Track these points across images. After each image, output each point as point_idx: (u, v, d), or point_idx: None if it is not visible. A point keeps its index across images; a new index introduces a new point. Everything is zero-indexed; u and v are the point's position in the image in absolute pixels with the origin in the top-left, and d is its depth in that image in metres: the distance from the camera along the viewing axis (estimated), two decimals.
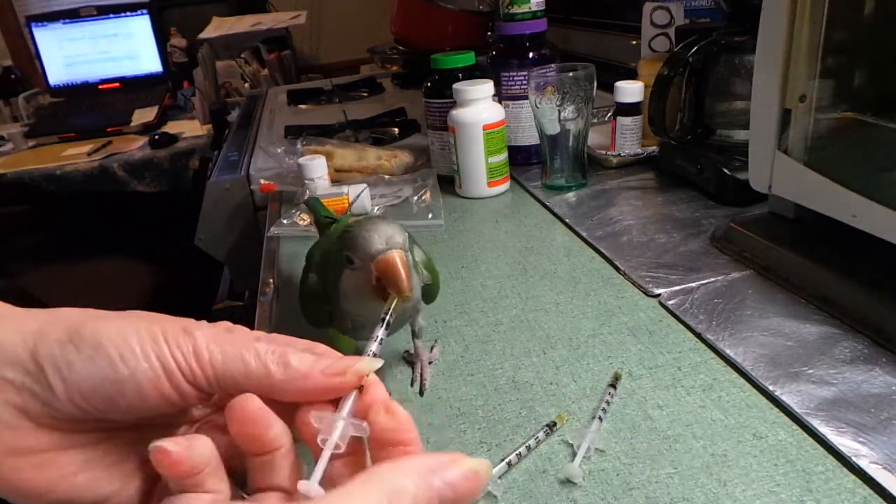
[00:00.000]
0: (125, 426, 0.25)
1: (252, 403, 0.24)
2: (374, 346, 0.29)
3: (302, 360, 0.24)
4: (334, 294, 0.41)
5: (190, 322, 0.25)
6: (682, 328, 0.53)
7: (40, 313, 0.24)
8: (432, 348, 0.54)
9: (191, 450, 0.23)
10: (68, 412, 0.23)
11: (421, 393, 0.50)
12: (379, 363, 0.26)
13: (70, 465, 0.24)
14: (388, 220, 0.38)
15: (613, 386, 0.47)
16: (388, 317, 0.32)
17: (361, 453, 0.25)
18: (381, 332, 0.31)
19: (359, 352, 0.28)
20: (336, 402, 0.25)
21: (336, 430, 0.24)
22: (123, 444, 0.25)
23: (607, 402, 0.45)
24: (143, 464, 0.25)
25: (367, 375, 0.25)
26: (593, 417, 0.44)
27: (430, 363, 0.52)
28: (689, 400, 0.45)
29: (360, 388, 0.25)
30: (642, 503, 0.38)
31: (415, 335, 0.52)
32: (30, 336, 0.23)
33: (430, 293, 0.49)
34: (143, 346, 0.23)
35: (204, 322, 0.26)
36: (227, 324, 0.27)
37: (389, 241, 0.36)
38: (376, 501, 0.19)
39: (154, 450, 0.22)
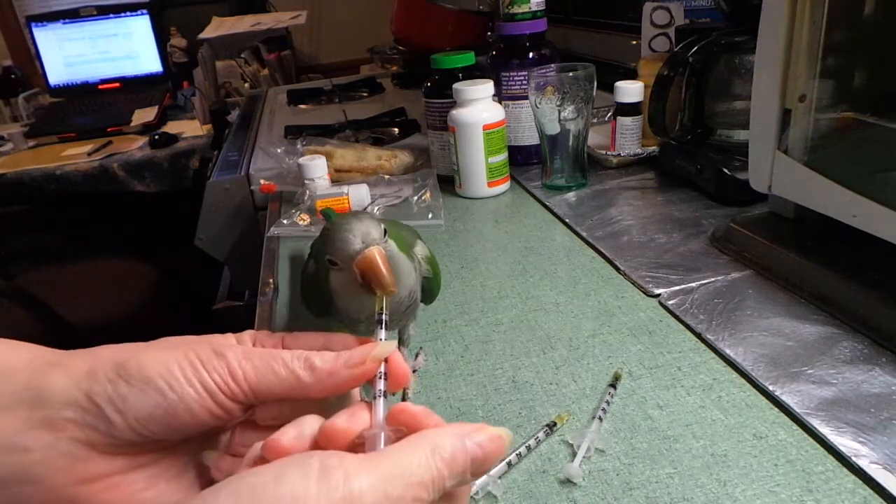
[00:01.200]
0: (179, 443, 0.28)
1: (280, 443, 0.25)
2: (381, 333, 0.31)
3: (325, 359, 0.27)
4: (328, 290, 0.41)
5: (219, 343, 0.28)
6: (682, 328, 0.53)
7: (84, 354, 0.27)
8: (416, 356, 0.54)
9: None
10: (128, 438, 0.26)
11: (403, 397, 0.49)
12: (393, 345, 0.29)
13: (137, 484, 0.27)
14: (362, 215, 0.37)
15: (613, 386, 0.47)
16: (383, 316, 0.33)
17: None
18: (382, 335, 0.31)
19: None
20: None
21: (380, 441, 0.26)
22: (180, 458, 0.28)
23: (607, 402, 0.45)
24: (201, 472, 0.29)
25: (386, 359, 0.28)
26: (593, 417, 0.44)
27: (413, 371, 0.51)
28: (689, 400, 0.45)
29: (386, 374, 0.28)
30: (642, 503, 0.38)
31: (402, 343, 0.51)
32: (82, 378, 0.26)
33: (430, 290, 0.48)
34: (185, 373, 0.26)
35: (231, 338, 0.29)
36: (250, 332, 0.30)
37: (366, 239, 0.36)
38: (423, 455, 0.23)
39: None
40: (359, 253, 0.35)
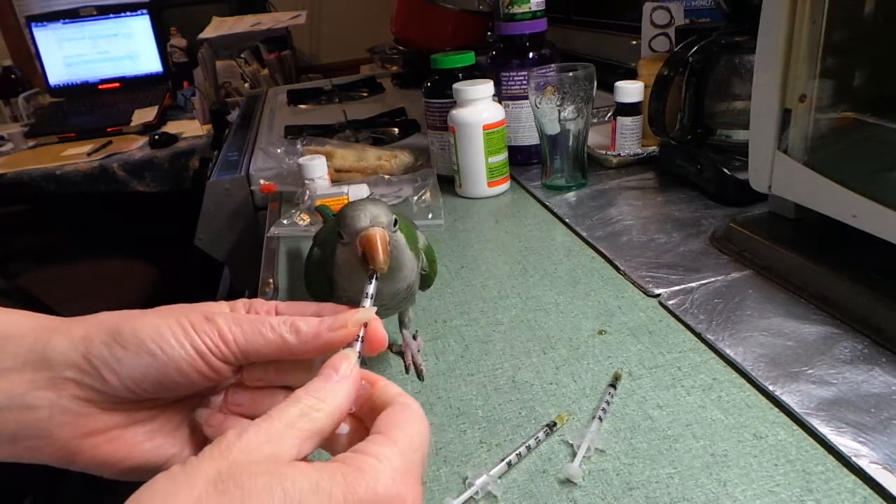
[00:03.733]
0: (174, 400, 0.31)
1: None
2: (368, 298, 0.34)
3: (309, 323, 0.29)
4: (331, 268, 0.44)
5: (211, 308, 0.30)
6: (682, 328, 0.53)
7: (82, 321, 0.29)
8: (415, 336, 0.55)
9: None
10: (125, 397, 0.28)
11: (419, 376, 0.51)
12: (373, 311, 0.31)
13: (136, 437, 0.29)
14: (378, 201, 0.41)
15: (613, 386, 0.47)
16: (370, 289, 0.35)
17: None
18: (367, 303, 0.34)
19: None
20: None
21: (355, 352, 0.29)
22: (176, 415, 0.31)
23: (607, 403, 0.45)
24: (194, 429, 0.31)
25: (366, 324, 0.30)
26: (593, 417, 0.44)
27: (417, 351, 0.53)
28: (689, 400, 0.45)
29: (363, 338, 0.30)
30: (642, 503, 0.38)
31: (402, 325, 0.54)
32: (79, 342, 0.28)
33: (427, 278, 0.51)
34: (177, 336, 0.27)
35: (223, 304, 0.31)
36: (244, 300, 0.32)
37: (374, 220, 0.39)
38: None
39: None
40: (364, 230, 0.39)
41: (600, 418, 0.43)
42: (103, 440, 0.28)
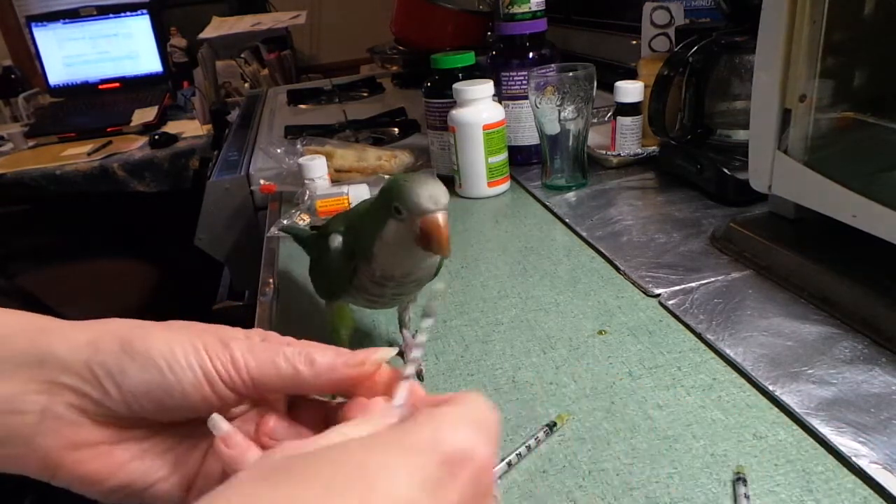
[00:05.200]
0: (167, 425, 0.29)
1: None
2: (417, 353, 0.30)
3: (325, 355, 0.28)
4: (369, 245, 0.43)
5: (226, 333, 0.28)
6: (682, 328, 0.53)
7: (87, 326, 0.28)
8: (415, 336, 0.54)
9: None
10: (121, 412, 0.27)
11: (419, 377, 0.51)
12: (393, 352, 0.29)
13: (124, 455, 0.28)
14: (436, 180, 0.40)
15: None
16: (426, 333, 0.31)
17: None
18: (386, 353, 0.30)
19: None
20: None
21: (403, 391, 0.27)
22: (171, 438, 0.29)
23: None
24: (188, 453, 0.29)
25: (386, 362, 0.28)
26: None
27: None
28: (689, 400, 0.45)
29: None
30: (642, 503, 0.38)
31: (402, 325, 0.54)
32: (82, 347, 0.26)
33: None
34: (188, 357, 0.26)
35: (239, 330, 0.29)
36: (259, 331, 0.30)
37: (437, 203, 0.39)
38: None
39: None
40: (428, 212, 0.38)
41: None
42: (89, 455, 0.27)
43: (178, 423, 0.29)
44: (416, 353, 0.30)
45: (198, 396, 0.27)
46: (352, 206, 0.81)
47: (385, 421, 0.25)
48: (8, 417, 0.26)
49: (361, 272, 0.45)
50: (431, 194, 0.39)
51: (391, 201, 0.40)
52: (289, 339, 0.30)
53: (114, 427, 0.27)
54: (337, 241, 0.46)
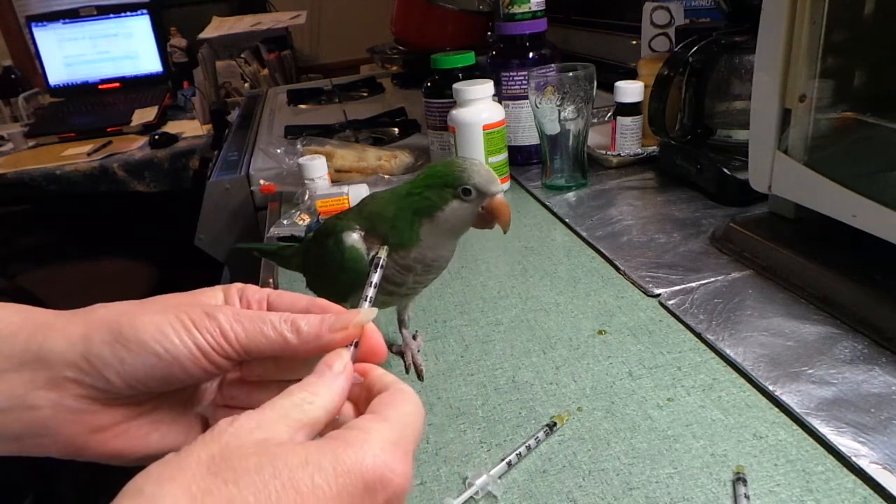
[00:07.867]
0: (174, 391, 0.30)
1: None
2: (370, 291, 0.34)
3: (310, 323, 0.29)
4: (415, 229, 0.45)
5: (207, 301, 0.30)
6: (682, 328, 0.53)
7: (77, 317, 0.28)
8: (415, 336, 0.55)
9: None
10: (127, 394, 0.28)
11: (419, 377, 0.51)
12: (374, 312, 0.30)
13: (142, 429, 0.30)
14: (482, 162, 0.45)
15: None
16: (370, 293, 0.35)
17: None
18: (366, 305, 0.34)
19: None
20: None
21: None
22: (178, 404, 0.31)
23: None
24: (196, 415, 0.32)
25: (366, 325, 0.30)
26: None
27: (417, 351, 0.54)
28: (689, 400, 0.45)
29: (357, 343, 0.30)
30: (642, 503, 0.38)
31: (402, 325, 0.54)
32: (78, 342, 0.27)
33: None
34: (179, 335, 0.27)
35: (219, 292, 0.31)
36: (237, 285, 0.32)
37: (497, 186, 0.44)
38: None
39: None
40: (497, 192, 0.44)
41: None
42: (111, 435, 0.29)
43: (185, 388, 0.31)
44: (368, 292, 0.34)
45: (196, 368, 0.28)
46: (351, 206, 0.81)
47: (334, 385, 0.27)
48: (22, 413, 0.27)
49: (354, 293, 0.45)
50: (492, 178, 0.43)
51: (454, 184, 0.43)
52: (266, 291, 0.31)
53: (124, 406, 0.29)
54: (352, 238, 0.46)
